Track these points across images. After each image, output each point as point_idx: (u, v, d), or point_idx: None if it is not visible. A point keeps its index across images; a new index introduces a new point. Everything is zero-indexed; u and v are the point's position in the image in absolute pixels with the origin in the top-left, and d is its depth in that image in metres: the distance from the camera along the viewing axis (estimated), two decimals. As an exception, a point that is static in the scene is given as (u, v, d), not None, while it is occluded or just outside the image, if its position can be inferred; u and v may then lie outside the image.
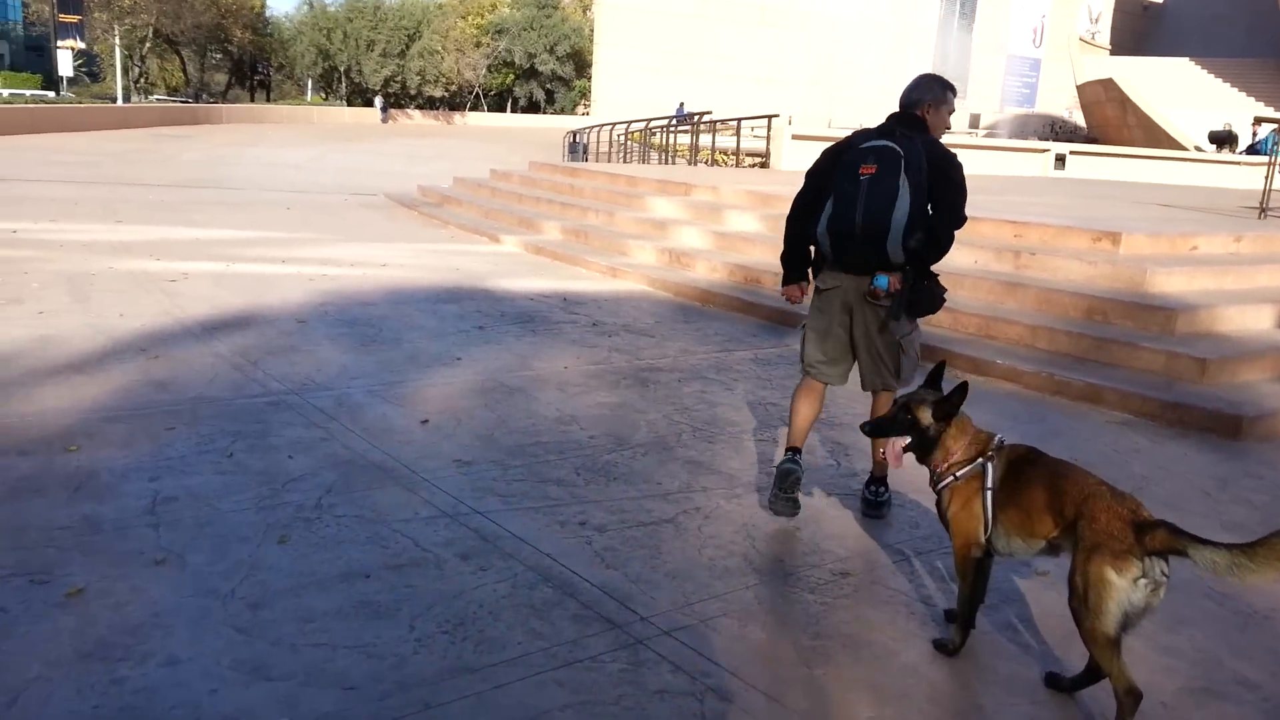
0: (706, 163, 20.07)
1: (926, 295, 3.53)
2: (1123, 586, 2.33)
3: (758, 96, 31.70)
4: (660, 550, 3.36)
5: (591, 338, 6.66)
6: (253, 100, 63.10)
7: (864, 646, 2.85)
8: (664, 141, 20.65)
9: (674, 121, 21.37)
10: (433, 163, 24.48)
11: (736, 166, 19.35)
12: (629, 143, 22.84)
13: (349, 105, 57.66)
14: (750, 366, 6.20)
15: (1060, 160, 21.25)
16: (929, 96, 3.65)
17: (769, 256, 9.01)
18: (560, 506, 3.67)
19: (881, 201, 3.34)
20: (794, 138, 18.39)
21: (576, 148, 23.78)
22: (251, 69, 65.15)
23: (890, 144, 3.43)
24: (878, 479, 3.85)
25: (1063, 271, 7.30)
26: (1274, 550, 2.18)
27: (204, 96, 60.19)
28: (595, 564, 3.19)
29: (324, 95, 62.99)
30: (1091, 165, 21.05)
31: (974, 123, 35.61)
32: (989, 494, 2.73)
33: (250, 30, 58.97)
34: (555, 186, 13.70)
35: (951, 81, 3.88)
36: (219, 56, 63.58)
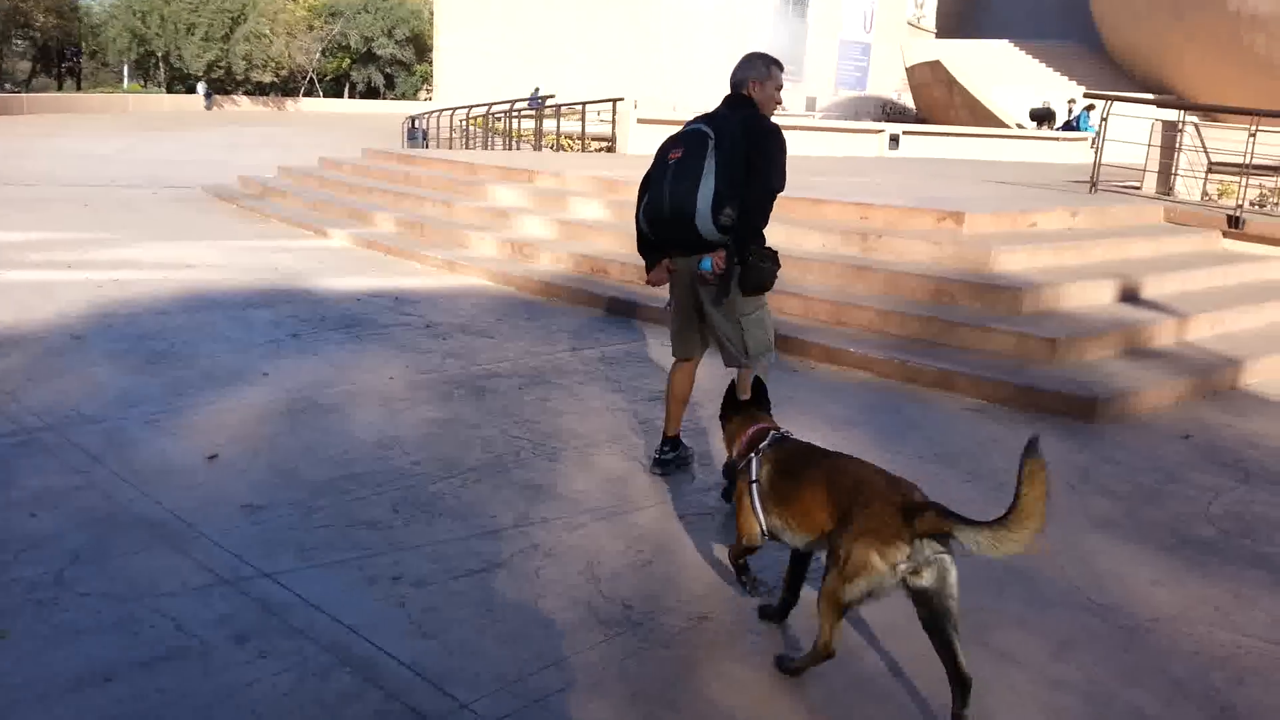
0: (552, 148, 19.51)
1: (754, 272, 3.52)
2: (883, 570, 2.40)
3: (605, 81, 31.20)
4: (490, 605, 2.86)
5: (424, 342, 6.06)
6: (60, 89, 58.26)
7: (729, 714, 2.44)
8: (508, 127, 19.95)
9: (530, 106, 20.71)
10: (259, 152, 22.93)
11: (582, 151, 18.88)
12: (472, 128, 22.01)
13: (169, 93, 53.95)
14: (598, 367, 5.75)
15: (894, 140, 21.71)
16: (753, 73, 3.71)
17: (615, 245, 8.59)
18: (371, 557, 3.12)
19: (685, 184, 3.45)
20: (639, 122, 18.03)
21: (416, 134, 22.75)
22: (59, 56, 60.08)
23: (701, 126, 3.57)
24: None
25: (909, 253, 7.17)
26: (1022, 513, 2.23)
27: (7, 86, 55.13)
28: (409, 633, 2.66)
29: (142, 83, 58.77)
30: (923, 145, 21.61)
31: (810, 105, 36.33)
32: (754, 488, 2.82)
33: (55, 14, 54.28)
34: (390, 175, 12.87)
35: (779, 60, 3.85)
36: (21, 43, 58.31)
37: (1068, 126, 26.05)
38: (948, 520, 2.34)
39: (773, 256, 3.58)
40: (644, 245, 3.81)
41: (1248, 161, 8.95)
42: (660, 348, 6.21)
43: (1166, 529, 3.73)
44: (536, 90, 27.11)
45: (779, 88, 3.74)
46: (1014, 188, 10.68)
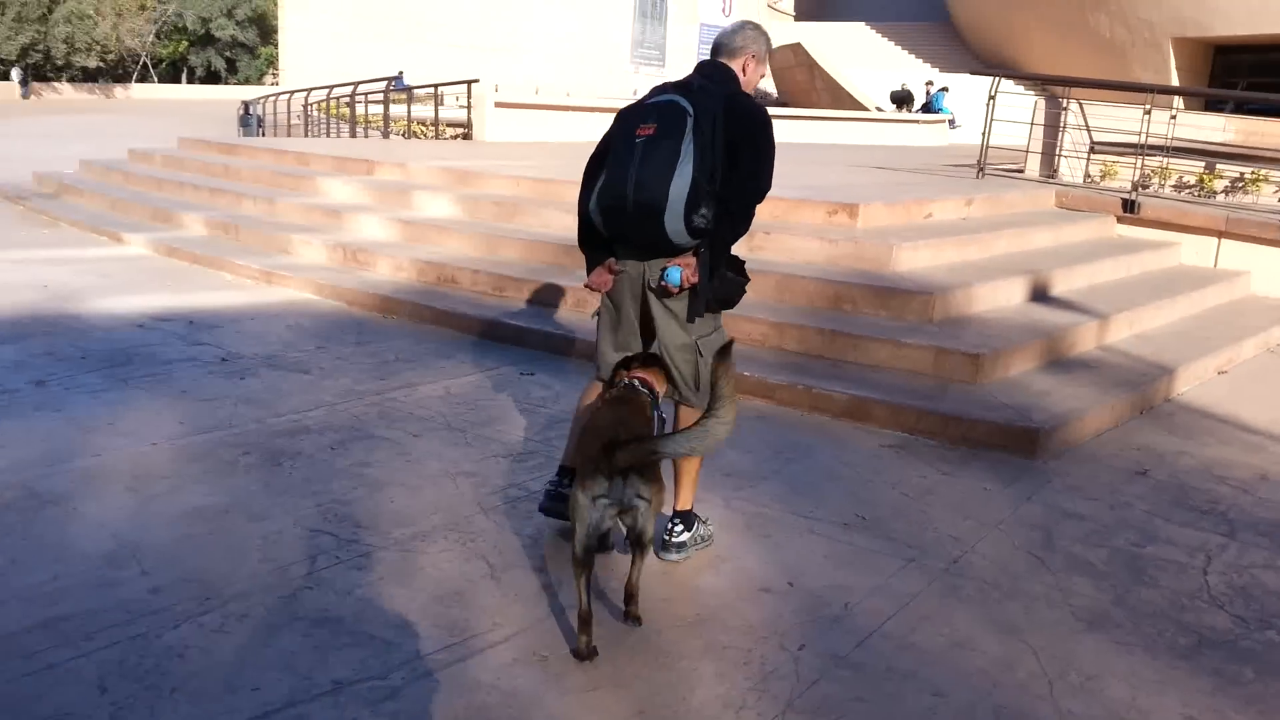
0: (404, 135, 18.02)
1: (727, 285, 3.01)
2: (584, 504, 2.50)
3: (464, 64, 29.66)
4: None
5: (213, 384, 4.79)
6: None
7: None
8: (357, 113, 18.35)
9: (395, 90, 19.11)
10: (74, 144, 20.49)
11: (436, 139, 17.47)
12: (318, 114, 20.23)
13: (-21, 78, 49.06)
14: (439, 410, 4.62)
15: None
16: (755, 48, 3.12)
17: (468, 247, 7.44)
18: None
19: (657, 169, 2.82)
20: (498, 106, 16.77)
21: (250, 121, 20.81)
22: None
23: (678, 99, 2.92)
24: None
25: (802, 252, 6.29)
26: (719, 405, 2.40)
27: None
28: None
29: (-54, 67, 53.31)
30: (786, 129, 21.05)
31: (678, 89, 35.60)
32: None
33: None
34: (207, 168, 11.27)
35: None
36: None
37: (925, 109, 26.11)
38: (646, 446, 2.48)
39: (741, 267, 3.08)
40: (586, 238, 3.18)
41: (1142, 141, 8.48)
42: (519, 379, 5.13)
43: (1170, 620, 2.90)
44: (401, 75, 25.38)
45: (763, 76, 3.23)
46: (893, 174, 10.02)
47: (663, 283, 2.95)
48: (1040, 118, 10.08)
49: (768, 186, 2.99)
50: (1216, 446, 4.48)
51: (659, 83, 3.22)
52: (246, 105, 21.47)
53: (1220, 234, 8.02)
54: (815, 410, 4.78)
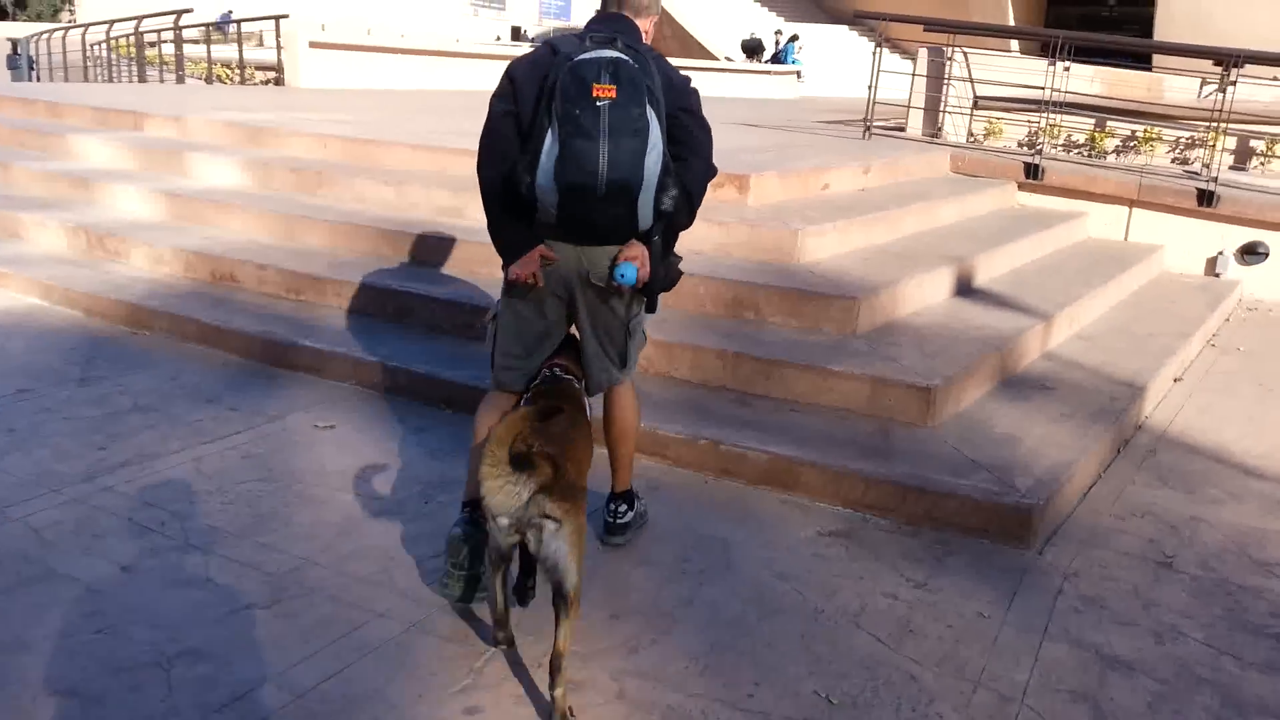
0: (205, 80, 15.60)
1: (671, 274, 2.76)
2: (491, 525, 2.26)
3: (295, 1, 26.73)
4: None
5: None
6: None
7: None
8: (144, 53, 15.79)
9: (219, 28, 16.54)
10: None
11: (242, 84, 15.19)
12: (109, 55, 17.37)
13: None
14: (178, 504, 3.13)
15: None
16: (658, 7, 2.79)
17: (256, 231, 5.79)
18: None
19: (630, 142, 2.41)
20: (313, 46, 14.63)
21: (19, 63, 17.73)
22: None
23: (625, 57, 2.45)
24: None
25: (683, 238, 4.98)
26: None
27: None
28: None
29: None
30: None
31: (518, 35, 33.56)
32: None
33: None
34: (-72, 122, 8.94)
35: None
36: None
37: (775, 59, 25.19)
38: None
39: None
40: (504, 219, 2.65)
41: (1047, 98, 7.56)
42: (313, 436, 3.66)
43: None
44: (229, 12, 22.30)
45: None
46: (770, 134, 8.83)
47: (615, 282, 2.58)
48: (922, 68, 9.08)
49: (716, 170, 2.71)
50: (1231, 505, 3.49)
51: (533, 31, 2.28)
52: (15, 44, 18.28)
53: (1132, 203, 7.22)
54: (725, 474, 3.52)
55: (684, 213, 2.63)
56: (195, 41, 16.56)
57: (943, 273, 5.06)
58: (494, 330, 2.81)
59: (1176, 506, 3.45)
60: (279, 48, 14.61)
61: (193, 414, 3.92)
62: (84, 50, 17.17)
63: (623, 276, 2.55)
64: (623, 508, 3.01)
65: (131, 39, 16.36)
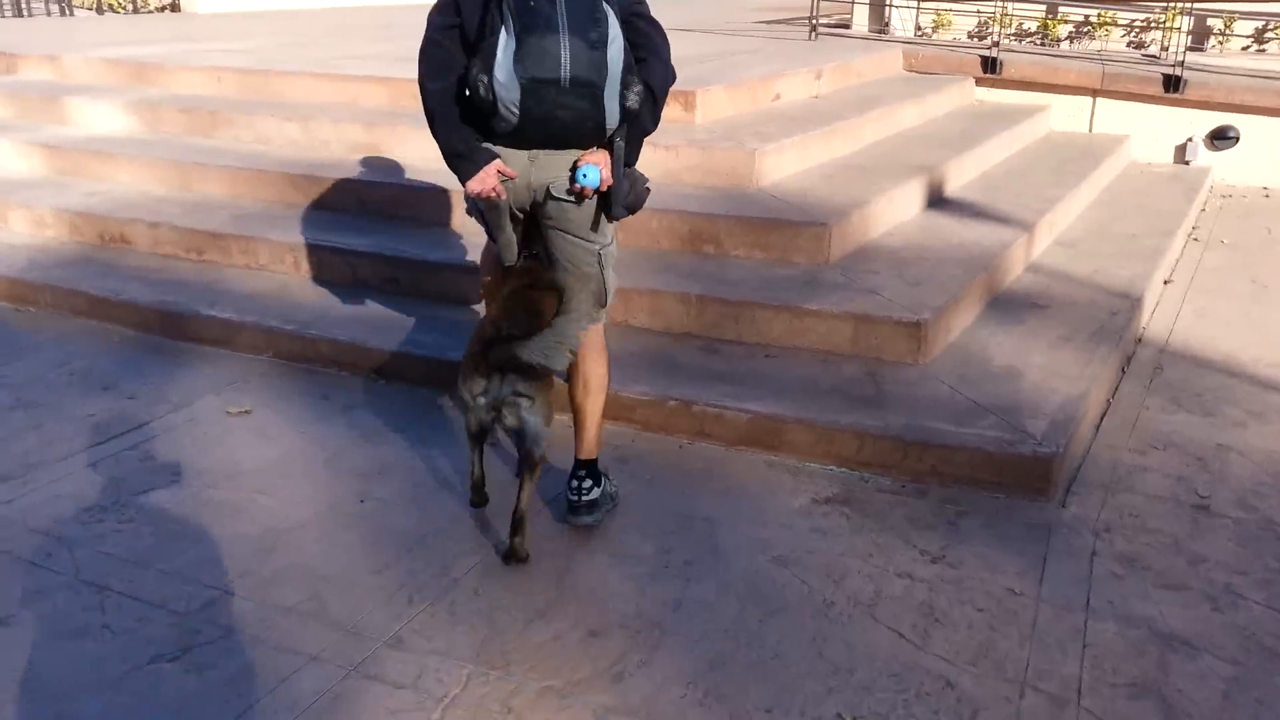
0: (96, 10, 14.34)
1: (637, 185, 2.60)
2: (468, 401, 2.45)
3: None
4: None
5: None
6: None
7: None
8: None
9: None
10: None
11: (135, 13, 14.00)
12: None
13: None
14: (63, 528, 2.65)
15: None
16: None
17: (147, 182, 5.18)
18: None
19: (591, 31, 2.29)
20: (207, -33, 13.49)
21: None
22: None
23: None
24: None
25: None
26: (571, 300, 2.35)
27: None
28: None
29: None
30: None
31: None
32: None
33: None
34: None
35: None
36: None
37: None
38: (511, 347, 2.34)
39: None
40: (457, 131, 2.46)
41: (1001, -15, 7.08)
42: (225, 425, 3.16)
43: None
44: None
45: None
46: (706, 39, 8.21)
47: (576, 185, 2.45)
48: (867, -42, 8.50)
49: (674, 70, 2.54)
50: (1256, 427, 3.19)
51: None
52: None
53: (1095, 92, 6.83)
54: (700, 437, 3.12)
55: (649, 115, 2.48)
56: None
57: (912, 185, 4.64)
58: (482, 219, 2.62)
59: (1198, 434, 3.14)
60: (169, -29, 13.44)
61: (84, 406, 3.40)
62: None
63: (584, 177, 2.42)
64: (587, 483, 2.69)
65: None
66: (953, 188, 5.05)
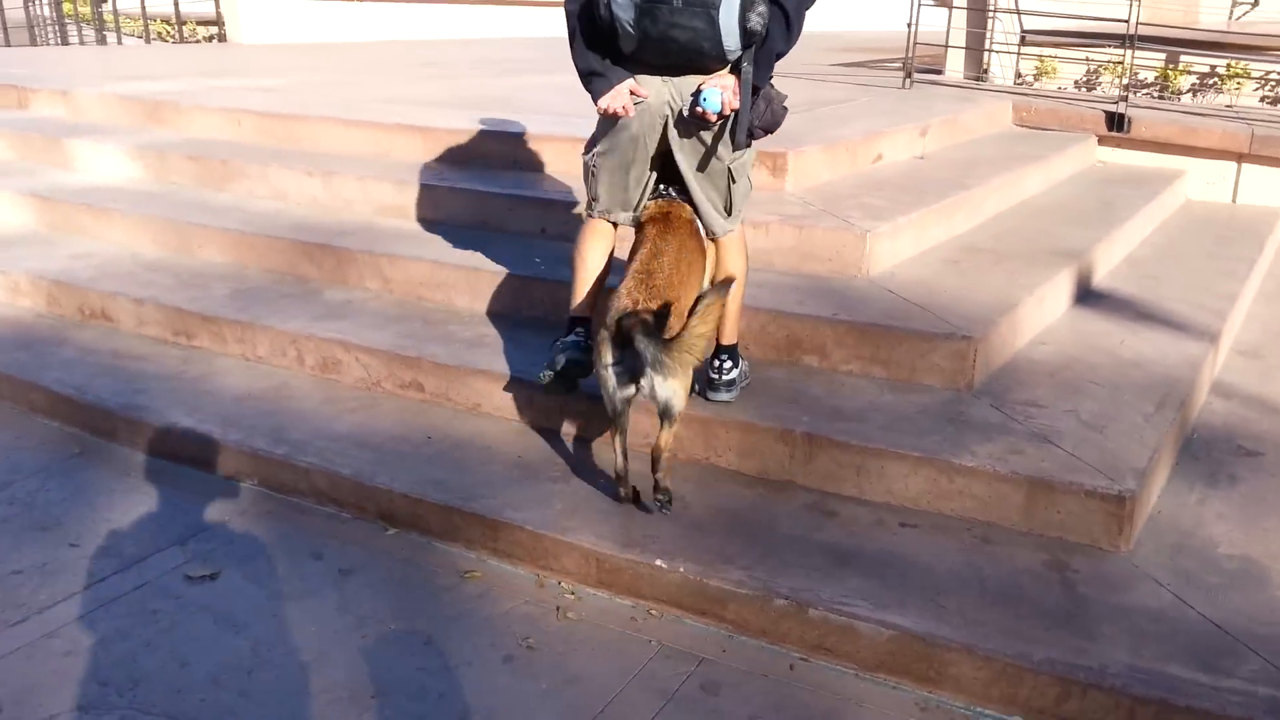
0: (141, 38, 13.94)
1: (773, 108, 2.64)
2: (599, 372, 2.49)
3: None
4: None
5: None
6: None
7: None
8: (63, 10, 14.11)
9: None
10: None
11: (180, 42, 13.58)
12: (52, 14, 15.59)
13: None
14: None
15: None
16: None
17: (141, 242, 4.54)
18: None
19: None
20: (257, -5, 13.03)
21: (-68, 25, 15.91)
22: None
23: None
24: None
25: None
26: (682, 343, 2.36)
27: None
28: None
29: None
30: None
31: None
32: None
33: None
34: None
35: None
36: None
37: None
38: (637, 324, 2.36)
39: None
40: (593, 54, 2.58)
41: (1131, 31, 6.17)
42: (183, 601, 2.31)
43: None
44: None
45: None
46: (785, 85, 7.39)
47: (698, 108, 2.49)
48: (963, -1, 7.65)
49: None
50: None
51: None
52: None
53: (1241, 157, 5.88)
54: (821, 653, 2.25)
55: (779, 35, 2.48)
56: None
57: (1060, 278, 3.74)
58: (592, 167, 2.76)
59: None
60: (216, -1, 13.00)
61: (13, 558, 2.62)
62: (25, 9, 15.39)
63: (705, 101, 2.46)
64: (727, 364, 2.87)
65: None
66: (1100, 276, 4.15)
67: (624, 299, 2.47)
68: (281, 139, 5.30)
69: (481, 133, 4.72)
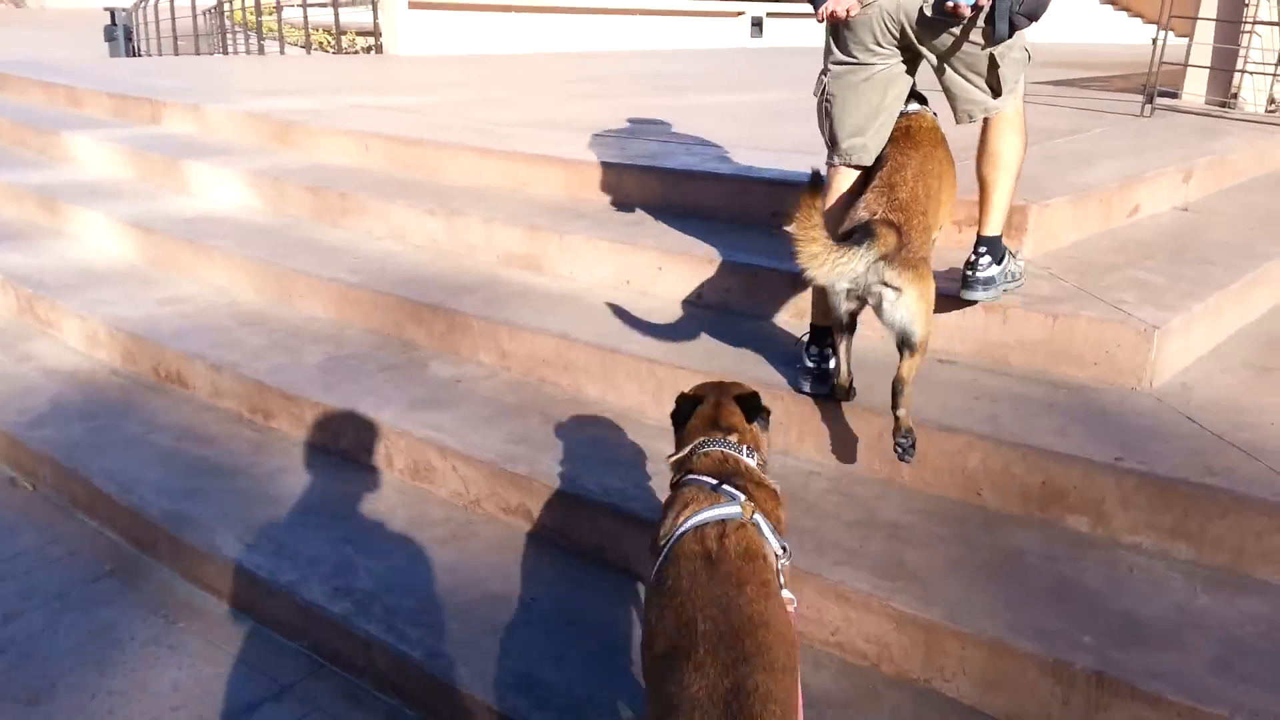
0: (304, 48, 13.98)
1: None
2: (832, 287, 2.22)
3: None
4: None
5: None
6: None
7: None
8: (225, 20, 14.32)
9: None
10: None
11: (339, 53, 13.51)
12: (221, 25, 15.98)
13: None
14: None
15: (757, 25, 17.19)
16: None
17: (243, 286, 4.05)
18: None
19: None
20: (412, 6, 12.79)
21: (116, 35, 16.55)
22: None
23: None
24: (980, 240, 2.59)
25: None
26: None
27: None
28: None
29: None
30: (789, 29, 17.14)
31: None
32: None
33: None
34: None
35: None
36: None
37: None
38: (870, 235, 2.09)
39: None
40: None
41: None
42: None
43: None
44: None
45: None
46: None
47: (948, 3, 2.17)
48: (1211, 10, 6.37)
49: None
50: None
51: None
52: (113, 14, 17.14)
53: None
54: None
55: None
56: (318, 4, 14.88)
57: None
58: (825, 106, 2.48)
59: None
60: (374, 8, 12.81)
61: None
62: (193, 18, 15.78)
63: None
64: (985, 259, 2.54)
65: (250, 4, 14.75)
66: None
67: (861, 210, 2.22)
68: (411, 166, 4.67)
69: (632, 167, 3.93)
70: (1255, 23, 6.11)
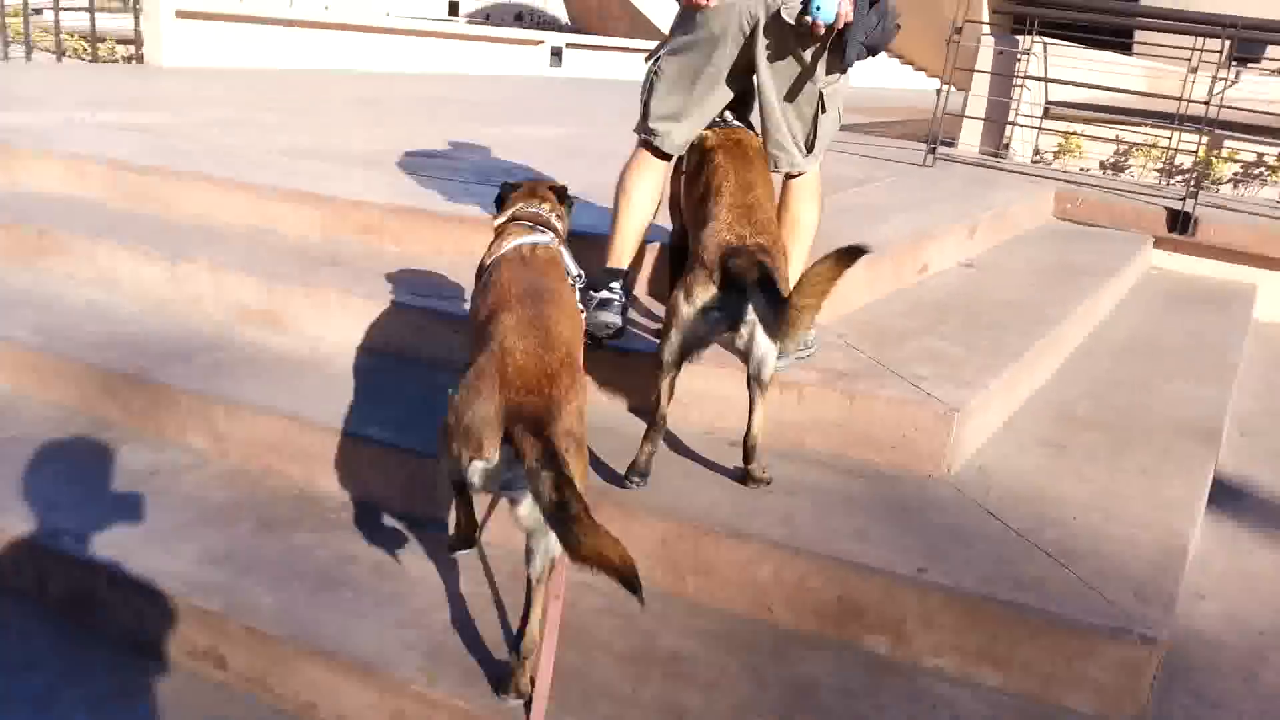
0: (55, 54, 12.46)
1: (882, 22, 2.30)
2: (686, 313, 2.14)
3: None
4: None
5: None
6: None
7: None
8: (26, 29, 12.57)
9: None
10: None
11: (93, 61, 12.15)
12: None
13: None
14: None
15: (556, 55, 17.00)
16: None
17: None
18: None
19: None
20: (180, 15, 11.70)
21: None
22: None
23: None
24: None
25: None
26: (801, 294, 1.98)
27: None
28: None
29: None
30: (586, 60, 17.08)
31: (454, 9, 30.45)
32: None
33: None
34: None
35: None
36: None
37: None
38: (752, 266, 2.08)
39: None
40: None
41: (1212, 115, 5.11)
42: None
43: None
44: None
45: None
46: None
47: (806, 17, 2.16)
48: (989, 63, 6.59)
49: None
50: None
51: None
52: None
53: (1335, 274, 4.84)
54: None
55: None
56: (72, 9, 13.34)
57: (1197, 477, 2.57)
58: (651, 78, 2.46)
59: None
60: (136, 15, 11.63)
61: None
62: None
63: (818, 10, 2.13)
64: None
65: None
66: (1227, 458, 3.00)
67: (726, 234, 2.13)
68: (137, 198, 3.97)
69: (401, 207, 3.47)
70: (1025, 77, 6.35)
